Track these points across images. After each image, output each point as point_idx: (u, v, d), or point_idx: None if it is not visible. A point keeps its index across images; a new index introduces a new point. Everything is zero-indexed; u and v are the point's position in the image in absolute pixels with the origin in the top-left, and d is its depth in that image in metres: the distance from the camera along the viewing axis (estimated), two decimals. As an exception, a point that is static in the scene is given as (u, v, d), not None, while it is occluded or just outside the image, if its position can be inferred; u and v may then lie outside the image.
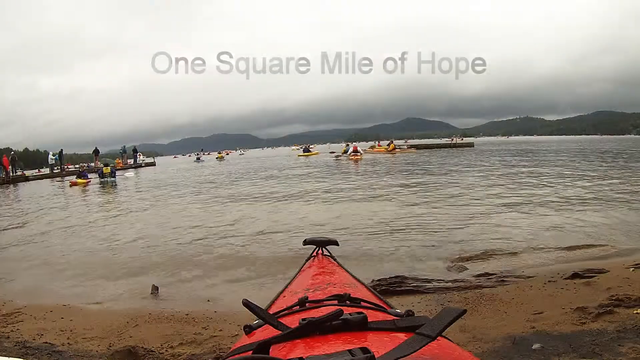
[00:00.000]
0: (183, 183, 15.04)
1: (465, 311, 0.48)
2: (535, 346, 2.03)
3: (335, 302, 0.73)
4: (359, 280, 1.02)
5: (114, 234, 6.24)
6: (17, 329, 2.74)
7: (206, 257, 4.65)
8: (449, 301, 2.91)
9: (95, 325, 2.76)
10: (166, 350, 2.34)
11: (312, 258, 1.26)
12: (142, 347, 2.33)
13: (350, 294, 0.75)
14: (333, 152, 29.87)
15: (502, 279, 3.31)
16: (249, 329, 0.70)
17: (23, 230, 7.26)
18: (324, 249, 1.31)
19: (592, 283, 2.93)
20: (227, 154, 56.15)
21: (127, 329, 2.70)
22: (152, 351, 2.31)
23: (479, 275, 3.42)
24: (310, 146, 37.36)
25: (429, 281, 3.35)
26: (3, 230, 7.42)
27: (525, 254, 4.00)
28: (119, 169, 21.93)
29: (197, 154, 53.53)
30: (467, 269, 3.66)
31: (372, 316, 0.61)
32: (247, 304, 0.61)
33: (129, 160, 31.03)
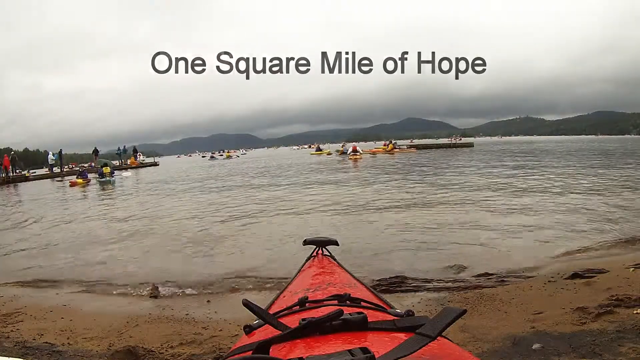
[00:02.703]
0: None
1: (465, 311, 0.48)
2: (536, 346, 2.03)
3: (335, 302, 0.73)
4: (359, 280, 1.02)
5: (113, 233, 6.25)
6: (17, 329, 2.74)
7: (206, 257, 4.65)
8: (449, 301, 2.91)
9: (95, 325, 2.76)
10: (166, 350, 2.34)
11: (312, 258, 1.27)
12: (142, 347, 2.33)
13: (350, 294, 0.75)
14: (330, 154, 30.96)
15: (502, 279, 3.31)
16: (249, 329, 0.69)
17: (21, 229, 7.27)
18: (323, 249, 1.31)
19: (592, 283, 2.93)
20: (235, 153, 59.73)
21: (127, 329, 2.70)
22: (152, 351, 2.31)
23: (479, 275, 3.43)
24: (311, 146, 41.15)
25: (429, 281, 3.35)
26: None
27: (524, 254, 4.01)
28: (117, 169, 22.01)
29: (212, 153, 59.25)
30: (467, 268, 3.66)
31: (372, 316, 0.61)
32: (247, 304, 0.61)
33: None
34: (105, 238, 6.01)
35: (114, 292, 3.64)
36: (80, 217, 8.27)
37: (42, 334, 2.62)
